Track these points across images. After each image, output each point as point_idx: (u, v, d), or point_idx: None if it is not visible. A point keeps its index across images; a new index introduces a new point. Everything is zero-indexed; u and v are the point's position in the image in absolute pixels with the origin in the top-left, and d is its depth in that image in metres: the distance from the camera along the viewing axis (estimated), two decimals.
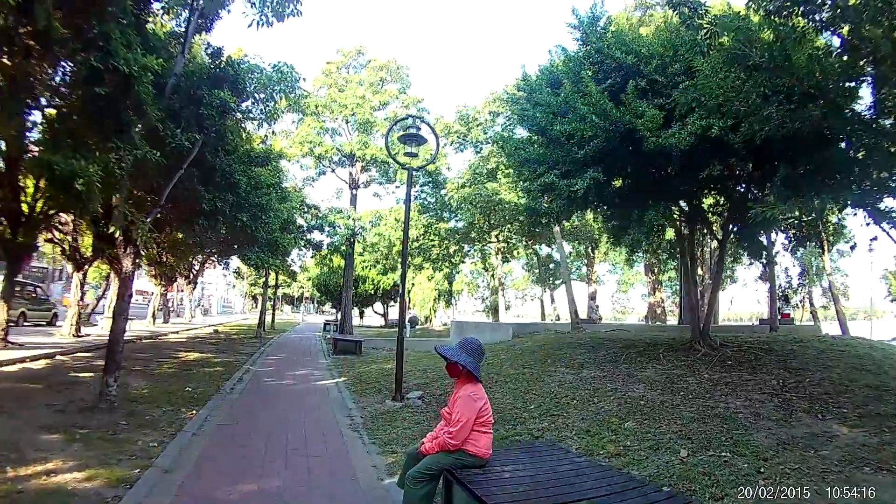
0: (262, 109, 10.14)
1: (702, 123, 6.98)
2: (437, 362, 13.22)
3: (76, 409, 7.21)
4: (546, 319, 36.16)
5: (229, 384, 10.30)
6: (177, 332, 22.77)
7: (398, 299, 53.93)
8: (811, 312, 28.44)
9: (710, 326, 10.05)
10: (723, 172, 8.79)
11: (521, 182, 9.95)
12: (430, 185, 25.87)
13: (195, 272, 29.07)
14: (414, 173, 11.11)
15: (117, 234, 7.07)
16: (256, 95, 10.01)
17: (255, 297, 68.84)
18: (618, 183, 9.45)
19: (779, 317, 18.58)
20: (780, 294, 22.92)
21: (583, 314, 38.80)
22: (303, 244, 25.20)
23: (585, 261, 36.72)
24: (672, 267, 30.90)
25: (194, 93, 7.75)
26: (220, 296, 66.22)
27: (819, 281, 30.60)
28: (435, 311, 48.17)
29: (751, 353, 9.04)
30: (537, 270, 42.22)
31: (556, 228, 18.78)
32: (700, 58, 6.93)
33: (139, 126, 6.40)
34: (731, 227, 9.69)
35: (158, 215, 8.28)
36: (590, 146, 8.01)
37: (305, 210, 23.07)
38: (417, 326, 38.85)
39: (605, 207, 10.44)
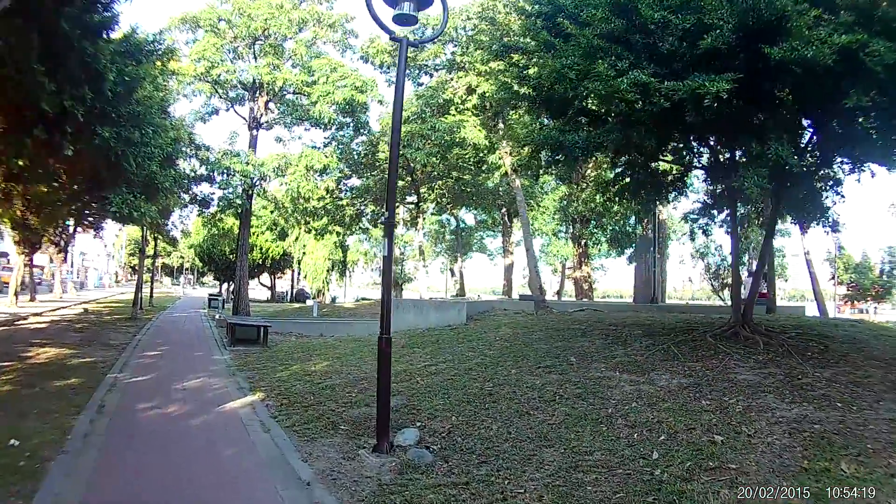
0: None
1: (853, 37, 4.98)
2: (398, 359, 8.86)
3: None
4: (468, 295, 33.27)
5: (84, 420, 5.92)
6: (40, 314, 17.58)
7: (289, 270, 47.55)
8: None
9: (752, 309, 8.08)
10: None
11: (597, 78, 5.70)
12: (351, 126, 20.96)
13: (66, 238, 22.80)
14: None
15: None
16: None
17: (133, 269, 59.69)
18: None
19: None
20: (712, 273, 21.72)
21: (498, 289, 36.21)
22: (187, 200, 19.82)
23: (500, 230, 33.90)
24: (604, 240, 29.35)
25: None
26: (103, 267, 55.78)
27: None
28: (328, 284, 42.77)
29: (810, 341, 7.24)
30: (448, 239, 38.40)
31: (517, 183, 15.82)
32: None
33: None
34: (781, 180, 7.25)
35: None
36: (706, 39, 5.39)
37: (192, 152, 17.47)
38: (310, 301, 34.10)
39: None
